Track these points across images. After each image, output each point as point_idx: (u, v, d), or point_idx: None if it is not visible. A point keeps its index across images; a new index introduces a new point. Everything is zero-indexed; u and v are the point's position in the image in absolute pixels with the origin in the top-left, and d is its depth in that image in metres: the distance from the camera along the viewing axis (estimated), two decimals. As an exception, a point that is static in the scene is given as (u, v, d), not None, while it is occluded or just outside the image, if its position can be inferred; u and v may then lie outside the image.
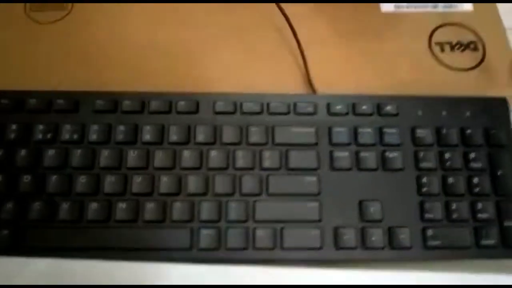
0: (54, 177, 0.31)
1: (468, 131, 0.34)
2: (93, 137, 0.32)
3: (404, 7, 0.40)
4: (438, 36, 0.39)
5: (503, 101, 0.35)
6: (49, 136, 0.32)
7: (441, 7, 0.41)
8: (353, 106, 0.34)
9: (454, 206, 0.32)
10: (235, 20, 0.39)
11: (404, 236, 0.31)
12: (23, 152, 0.32)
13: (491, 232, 0.32)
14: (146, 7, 0.40)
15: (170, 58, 0.37)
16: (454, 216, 0.32)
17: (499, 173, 0.33)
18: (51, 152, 0.32)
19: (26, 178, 0.31)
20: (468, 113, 0.35)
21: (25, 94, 0.33)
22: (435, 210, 0.32)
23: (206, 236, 0.31)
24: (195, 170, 0.32)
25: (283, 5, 0.38)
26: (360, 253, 0.31)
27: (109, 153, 0.32)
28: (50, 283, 0.28)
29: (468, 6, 0.41)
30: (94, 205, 0.31)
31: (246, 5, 0.39)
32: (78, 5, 0.40)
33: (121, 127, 0.33)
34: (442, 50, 0.39)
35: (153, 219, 0.31)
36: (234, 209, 0.31)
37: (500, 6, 0.41)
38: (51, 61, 0.38)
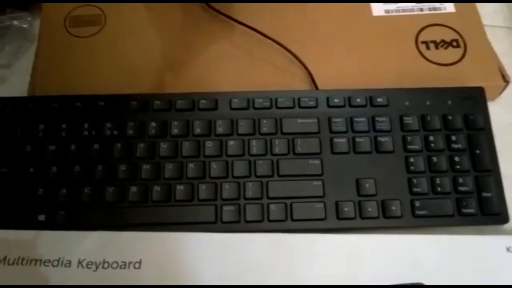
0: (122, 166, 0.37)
1: (450, 117, 0.39)
2: (130, 132, 0.38)
3: (394, 11, 0.46)
4: (424, 36, 0.45)
5: (480, 90, 0.41)
6: (116, 132, 0.39)
7: (426, 9, 0.46)
8: (349, 99, 0.40)
9: (438, 181, 0.37)
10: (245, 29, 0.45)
11: (395, 207, 0.37)
12: (96, 146, 0.38)
13: (471, 202, 0.37)
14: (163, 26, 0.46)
15: (190, 65, 0.43)
16: (439, 189, 0.37)
17: (477, 151, 0.38)
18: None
19: (100, 168, 0.37)
20: (449, 102, 0.40)
21: (94, 97, 0.40)
22: (422, 185, 0.37)
23: (228, 211, 0.36)
24: (217, 157, 0.38)
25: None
26: (358, 222, 0.37)
27: (144, 146, 0.38)
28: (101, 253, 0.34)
29: (450, 8, 0.46)
30: (133, 189, 0.37)
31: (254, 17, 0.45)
32: (110, 22, 0.46)
33: (153, 124, 0.39)
34: (428, 48, 0.44)
35: (183, 199, 0.37)
36: (251, 189, 0.37)
37: (480, 6, 0.46)
38: (87, 69, 0.44)
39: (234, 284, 0.32)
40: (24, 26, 0.48)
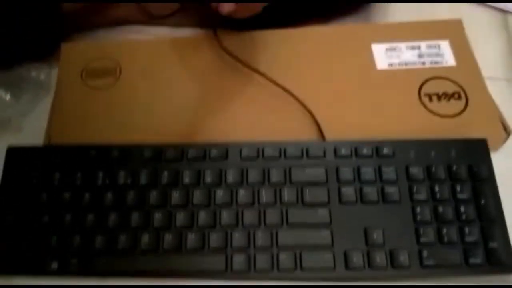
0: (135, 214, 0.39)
1: (454, 167, 0.40)
2: (143, 181, 0.40)
3: (397, 65, 0.48)
4: (427, 88, 0.46)
5: (483, 142, 0.42)
6: (129, 181, 0.40)
7: (428, 63, 0.48)
8: (355, 149, 0.41)
9: (444, 231, 0.38)
10: (254, 81, 0.47)
11: (403, 257, 0.37)
12: (109, 194, 0.39)
13: (477, 252, 0.37)
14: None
15: (199, 115, 0.45)
16: (445, 239, 0.38)
17: (482, 202, 0.39)
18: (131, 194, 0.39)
19: (113, 216, 0.38)
20: (453, 153, 0.41)
21: (109, 147, 0.41)
22: (429, 235, 0.38)
23: (238, 260, 0.37)
24: (227, 206, 0.39)
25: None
26: (367, 272, 0.37)
27: (156, 194, 0.39)
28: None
29: (451, 61, 0.48)
30: (145, 237, 0.38)
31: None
32: (125, 73, 0.48)
33: (165, 173, 0.40)
34: (431, 100, 0.46)
35: (194, 247, 0.37)
36: (261, 237, 0.38)
37: (480, 58, 0.48)
38: (102, 120, 0.45)
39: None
40: (41, 77, 0.50)
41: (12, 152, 0.41)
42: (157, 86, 0.47)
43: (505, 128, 0.44)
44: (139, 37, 0.53)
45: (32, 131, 0.47)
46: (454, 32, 0.50)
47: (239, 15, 0.41)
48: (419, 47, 0.49)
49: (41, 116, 0.47)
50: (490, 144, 0.42)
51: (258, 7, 0.43)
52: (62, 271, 0.37)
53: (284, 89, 0.45)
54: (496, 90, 0.47)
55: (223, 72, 0.48)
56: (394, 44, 0.49)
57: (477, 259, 0.37)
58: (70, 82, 0.48)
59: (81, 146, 0.41)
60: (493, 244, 0.38)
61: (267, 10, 0.45)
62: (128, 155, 0.41)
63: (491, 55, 0.53)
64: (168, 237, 0.38)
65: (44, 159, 0.41)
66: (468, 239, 0.38)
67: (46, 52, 0.51)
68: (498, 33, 0.55)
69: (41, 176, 0.40)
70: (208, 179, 0.40)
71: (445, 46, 0.49)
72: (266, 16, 0.46)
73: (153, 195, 0.39)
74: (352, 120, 0.45)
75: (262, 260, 0.37)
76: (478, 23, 0.54)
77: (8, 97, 0.46)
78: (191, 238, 0.38)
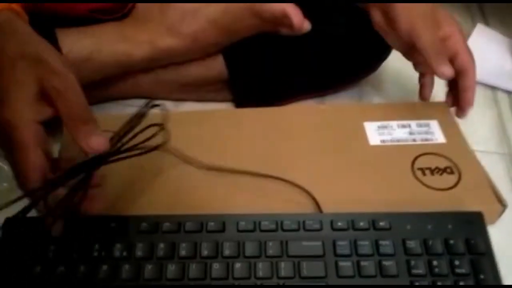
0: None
1: (451, 241, 0.40)
2: (139, 253, 0.39)
3: (389, 141, 0.49)
4: (420, 163, 0.48)
5: (479, 215, 0.42)
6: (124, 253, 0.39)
7: (419, 140, 0.50)
8: (352, 222, 0.41)
9: (444, 307, 0.37)
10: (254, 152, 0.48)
11: (403, 336, 0.36)
12: (104, 267, 0.39)
13: (481, 329, 0.37)
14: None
15: (197, 188, 0.46)
16: (447, 315, 0.37)
17: (481, 276, 0.39)
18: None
19: None
20: (450, 226, 0.41)
21: (106, 218, 0.41)
22: (430, 311, 0.37)
23: (233, 338, 0.36)
24: (223, 279, 0.38)
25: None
26: None
27: (152, 267, 0.39)
28: None
29: (441, 139, 0.50)
30: (139, 312, 0.37)
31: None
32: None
33: (161, 245, 0.40)
34: (424, 174, 0.47)
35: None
36: (257, 313, 0.37)
37: (472, 133, 0.50)
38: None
39: None
40: None
41: (9, 222, 0.41)
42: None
43: (500, 201, 0.45)
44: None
45: None
46: (441, 113, 0.53)
47: None
48: (409, 126, 0.51)
49: None
50: (487, 217, 0.42)
51: None
52: None
53: (281, 178, 0.46)
54: (489, 163, 0.48)
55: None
56: (385, 123, 0.51)
57: (482, 337, 0.36)
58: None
59: (77, 218, 0.41)
60: (496, 321, 0.37)
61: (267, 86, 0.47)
62: (124, 227, 0.41)
63: (483, 129, 0.55)
64: (162, 314, 0.37)
65: (39, 230, 0.40)
66: (470, 316, 0.37)
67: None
68: (489, 108, 0.58)
69: (35, 248, 0.39)
70: (205, 252, 0.39)
71: (434, 125, 0.51)
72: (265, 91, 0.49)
73: (148, 268, 0.38)
74: (348, 194, 0.45)
75: (258, 338, 0.36)
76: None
77: (9, 168, 0.46)
78: (185, 314, 0.37)
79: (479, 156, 0.49)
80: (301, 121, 0.52)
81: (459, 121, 0.52)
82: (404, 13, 0.49)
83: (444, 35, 0.50)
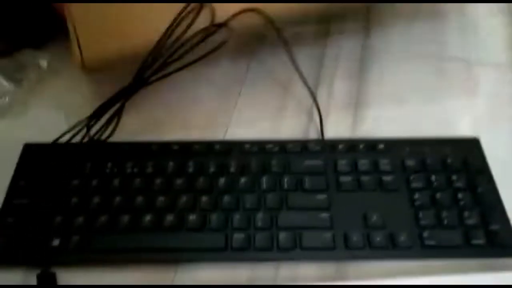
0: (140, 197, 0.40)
1: (449, 160, 0.42)
2: (149, 170, 0.41)
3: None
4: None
5: (476, 140, 0.44)
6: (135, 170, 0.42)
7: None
8: (352, 146, 0.43)
9: (444, 214, 0.38)
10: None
11: (404, 238, 0.37)
12: (116, 181, 0.41)
13: (479, 233, 0.37)
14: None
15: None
16: (445, 222, 0.38)
17: (479, 190, 0.40)
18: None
19: (118, 198, 0.40)
20: (447, 149, 0.43)
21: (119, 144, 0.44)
22: (428, 218, 0.38)
23: (238, 238, 0.37)
24: (229, 192, 0.40)
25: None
26: (367, 253, 0.37)
27: (162, 181, 0.41)
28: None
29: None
30: (148, 217, 0.38)
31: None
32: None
33: (171, 163, 0.42)
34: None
35: (195, 227, 0.38)
36: (260, 219, 0.38)
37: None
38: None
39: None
40: (42, 64, 0.50)
41: (28, 148, 0.43)
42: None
43: None
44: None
45: (32, 117, 0.48)
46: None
47: None
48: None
49: (42, 103, 0.49)
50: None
51: None
52: (63, 248, 0.37)
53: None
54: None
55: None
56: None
57: (478, 240, 0.37)
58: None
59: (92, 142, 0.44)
60: (493, 227, 0.38)
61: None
62: (137, 149, 0.43)
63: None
64: (169, 218, 0.38)
65: (57, 153, 0.43)
66: (468, 222, 0.38)
67: (45, 37, 0.53)
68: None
69: (53, 167, 0.42)
70: (212, 169, 0.41)
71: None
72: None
73: (158, 182, 0.40)
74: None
75: (261, 239, 0.37)
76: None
77: (9, 83, 0.48)
78: (192, 219, 0.38)
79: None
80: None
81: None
82: None
83: None
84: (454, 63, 0.52)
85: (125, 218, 0.38)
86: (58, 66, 0.51)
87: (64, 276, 0.37)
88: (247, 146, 0.43)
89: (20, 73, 0.49)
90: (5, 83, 0.47)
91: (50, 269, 0.37)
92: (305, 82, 0.48)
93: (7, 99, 0.47)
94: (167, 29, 0.41)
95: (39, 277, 0.36)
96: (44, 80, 0.51)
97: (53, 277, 0.36)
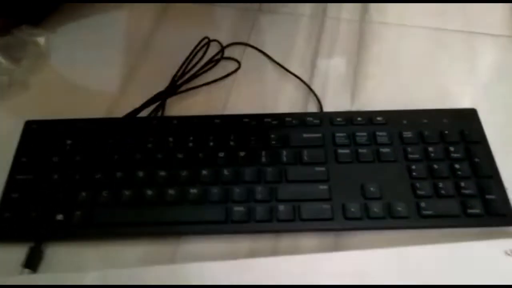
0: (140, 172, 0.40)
1: (446, 132, 0.42)
2: (150, 145, 0.42)
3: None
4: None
5: (473, 111, 0.44)
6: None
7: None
8: (350, 118, 0.43)
9: (441, 185, 0.39)
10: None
11: (401, 208, 0.38)
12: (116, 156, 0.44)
13: (476, 203, 0.38)
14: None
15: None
16: (442, 192, 0.38)
17: (476, 160, 0.40)
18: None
19: (120, 173, 0.40)
20: (445, 120, 0.43)
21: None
22: (426, 188, 0.39)
23: (238, 211, 0.38)
24: (229, 167, 0.40)
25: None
26: (365, 223, 0.38)
27: (162, 156, 0.41)
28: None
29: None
30: (150, 191, 0.39)
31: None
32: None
33: (170, 139, 0.42)
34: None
35: (196, 200, 0.39)
36: (260, 192, 0.39)
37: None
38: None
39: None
40: (41, 42, 0.50)
41: (29, 125, 0.44)
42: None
43: None
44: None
45: (32, 95, 0.48)
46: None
47: None
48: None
49: (41, 82, 0.49)
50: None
51: None
52: (67, 222, 0.38)
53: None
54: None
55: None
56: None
57: (475, 209, 0.38)
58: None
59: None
60: (490, 197, 0.38)
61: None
62: (136, 125, 0.43)
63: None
64: (171, 192, 0.39)
65: (58, 129, 0.43)
66: (465, 192, 0.39)
67: (43, 14, 0.52)
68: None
69: (54, 143, 0.42)
70: (211, 143, 0.42)
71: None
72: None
73: (159, 157, 0.41)
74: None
75: (261, 211, 0.38)
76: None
77: (8, 61, 0.48)
78: (194, 193, 0.39)
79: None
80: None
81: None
82: None
83: None
84: (452, 35, 0.52)
85: (127, 193, 0.39)
86: (56, 42, 0.52)
87: (68, 250, 0.38)
88: (246, 120, 0.43)
89: (19, 51, 0.49)
90: (4, 62, 0.47)
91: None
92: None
93: (6, 77, 0.47)
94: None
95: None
96: (44, 58, 0.51)
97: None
